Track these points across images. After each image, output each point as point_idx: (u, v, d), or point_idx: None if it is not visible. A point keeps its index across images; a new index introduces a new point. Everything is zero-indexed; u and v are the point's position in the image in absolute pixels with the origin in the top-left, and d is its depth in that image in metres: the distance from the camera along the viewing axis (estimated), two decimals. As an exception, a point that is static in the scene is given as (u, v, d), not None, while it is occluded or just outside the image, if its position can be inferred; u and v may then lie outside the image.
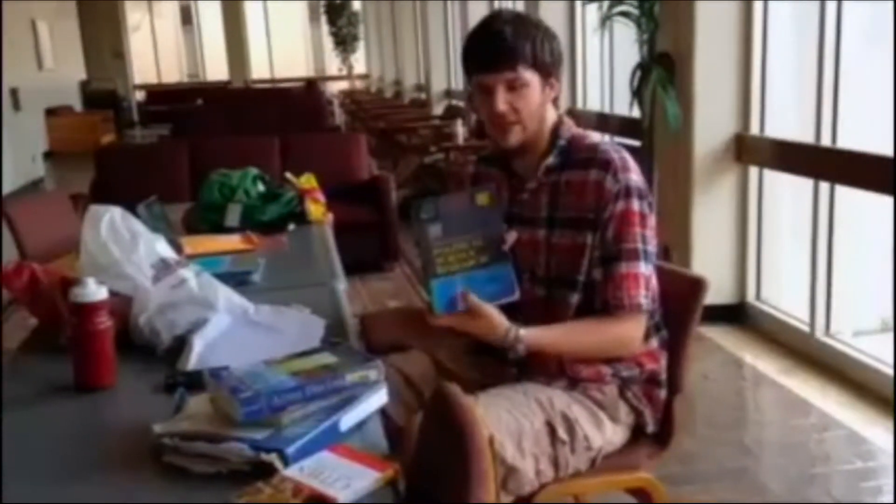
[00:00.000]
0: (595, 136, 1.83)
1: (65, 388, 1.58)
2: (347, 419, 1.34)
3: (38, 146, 11.79)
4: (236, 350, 1.66)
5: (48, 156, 12.39)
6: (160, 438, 1.29)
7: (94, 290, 1.55)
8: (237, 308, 1.81)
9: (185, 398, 1.41)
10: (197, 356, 1.64)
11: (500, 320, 1.64)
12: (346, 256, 2.93)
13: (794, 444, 2.97)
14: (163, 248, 1.84)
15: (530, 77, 1.72)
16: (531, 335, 1.65)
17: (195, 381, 1.53)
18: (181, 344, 1.71)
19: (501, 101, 1.71)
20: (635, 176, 1.74)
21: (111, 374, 1.58)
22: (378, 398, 1.40)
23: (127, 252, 1.77)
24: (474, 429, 1.31)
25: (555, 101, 1.82)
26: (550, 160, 1.77)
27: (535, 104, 1.74)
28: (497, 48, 1.71)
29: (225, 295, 1.82)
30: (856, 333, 3.66)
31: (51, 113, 13.51)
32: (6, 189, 8.49)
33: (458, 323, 1.63)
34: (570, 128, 1.82)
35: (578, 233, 1.73)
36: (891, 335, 3.48)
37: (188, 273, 1.81)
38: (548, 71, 1.74)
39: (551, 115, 1.81)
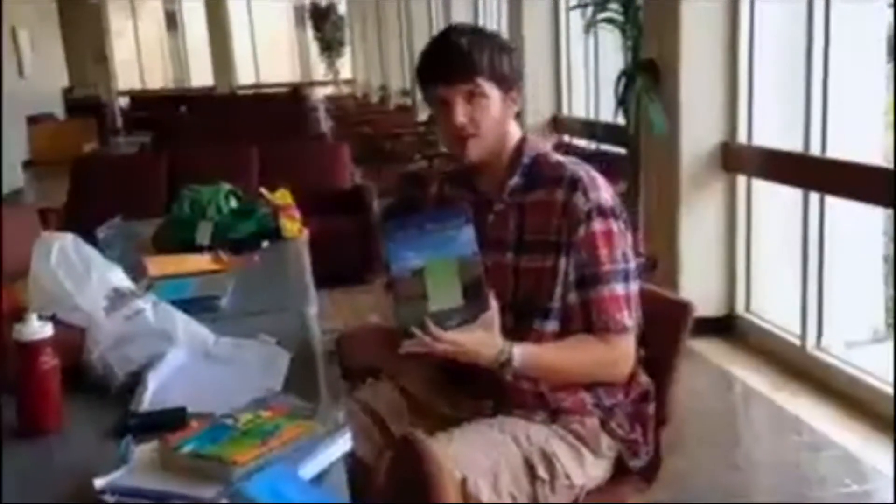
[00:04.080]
0: (559, 156, 1.74)
1: (10, 432, 1.47)
2: (308, 470, 1.23)
3: (18, 155, 11.62)
4: (193, 387, 1.56)
5: (29, 165, 12.23)
6: (101, 495, 1.18)
7: (38, 328, 1.44)
8: (197, 341, 1.71)
9: (131, 448, 1.30)
10: (151, 396, 1.54)
11: (497, 337, 1.55)
12: (327, 268, 2.81)
13: (786, 463, 2.89)
14: (117, 278, 1.73)
15: (489, 88, 1.64)
16: (524, 355, 1.57)
17: (149, 424, 1.44)
18: (137, 381, 1.60)
19: (460, 114, 1.63)
20: (606, 194, 1.65)
21: (57, 418, 1.47)
22: (342, 444, 1.30)
23: (79, 282, 1.67)
24: (439, 480, 1.23)
25: (517, 118, 1.74)
26: (515, 180, 1.69)
27: (494, 117, 1.66)
28: (454, 59, 1.63)
29: (184, 326, 1.71)
30: (848, 345, 3.58)
31: (32, 121, 13.34)
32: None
33: (451, 341, 1.51)
34: (535, 145, 1.74)
35: (546, 257, 1.64)
36: (883, 346, 3.41)
37: (145, 303, 1.70)
38: (507, 84, 1.67)
39: (514, 132, 1.72)
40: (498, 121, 1.67)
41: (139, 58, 21.18)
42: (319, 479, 1.25)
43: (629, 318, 1.63)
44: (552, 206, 1.64)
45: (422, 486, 1.23)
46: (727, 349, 3.86)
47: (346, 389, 2.02)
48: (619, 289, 1.62)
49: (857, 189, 3.29)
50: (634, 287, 1.66)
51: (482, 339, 1.53)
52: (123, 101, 19.20)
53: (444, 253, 1.51)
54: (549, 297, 1.64)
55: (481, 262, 1.52)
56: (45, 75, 14.37)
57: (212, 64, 20.07)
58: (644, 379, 1.73)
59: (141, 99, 18.79)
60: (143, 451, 1.29)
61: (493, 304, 1.53)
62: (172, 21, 21.59)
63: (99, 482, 1.20)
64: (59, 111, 15.61)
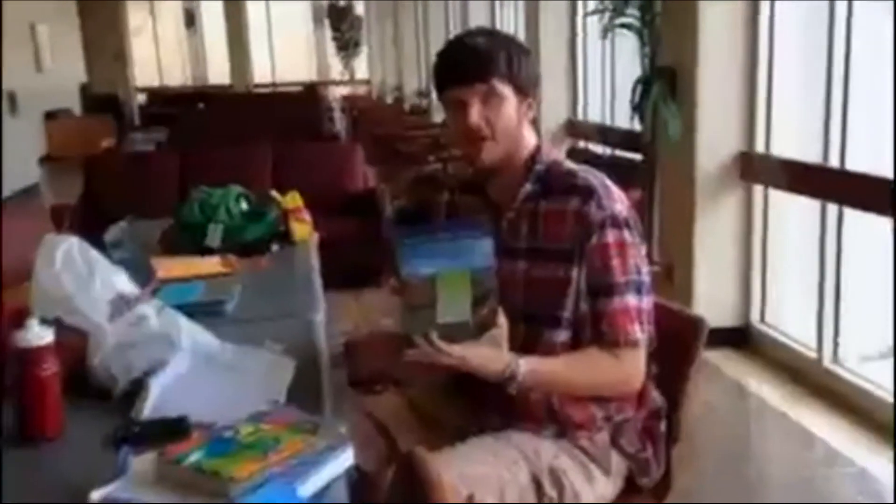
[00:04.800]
0: (574, 164, 1.71)
1: (9, 437, 1.45)
2: (308, 486, 1.21)
3: (34, 151, 11.67)
4: (196, 396, 1.54)
5: (46, 160, 12.27)
6: (97, 508, 1.16)
7: (38, 334, 1.42)
8: (200, 347, 1.68)
9: (130, 459, 1.28)
10: (153, 403, 1.52)
11: (504, 353, 1.51)
12: (339, 270, 2.76)
13: (799, 479, 2.84)
14: (121, 283, 1.71)
15: (506, 91, 1.61)
16: (530, 369, 1.53)
17: (150, 433, 1.41)
18: (139, 387, 1.58)
19: (475, 114, 1.60)
20: (619, 205, 1.62)
21: (57, 425, 1.45)
22: (343, 460, 1.27)
23: (82, 286, 1.64)
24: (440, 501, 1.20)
25: (532, 125, 1.70)
26: (528, 187, 1.65)
27: (510, 120, 1.62)
28: (471, 60, 1.61)
29: (188, 333, 1.69)
30: (862, 359, 3.52)
31: (50, 117, 13.39)
32: (-2, 196, 8.37)
33: (455, 356, 1.47)
34: (549, 153, 1.70)
35: (559, 266, 1.60)
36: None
37: (148, 309, 1.68)
38: (524, 89, 1.63)
39: (530, 139, 1.69)
40: (513, 124, 1.63)
41: (157, 55, 21.24)
42: (320, 495, 1.22)
43: (640, 332, 1.59)
44: (565, 215, 1.61)
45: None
46: (741, 361, 3.81)
47: (351, 397, 1.99)
48: (631, 301, 1.59)
49: (876, 202, 3.24)
50: (647, 301, 1.63)
51: (488, 355, 1.50)
52: (141, 98, 19.27)
53: (458, 263, 1.47)
54: (561, 306, 1.60)
55: (495, 277, 1.48)
56: (62, 71, 14.42)
57: (229, 62, 20.11)
58: (656, 395, 1.69)
59: (158, 96, 18.84)
60: (142, 462, 1.26)
61: (503, 321, 1.49)
62: (191, 19, 21.66)
63: (95, 495, 1.18)
64: (76, 107, 15.66)
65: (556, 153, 1.75)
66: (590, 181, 1.62)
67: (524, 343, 1.58)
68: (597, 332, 1.59)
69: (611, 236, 1.59)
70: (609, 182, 1.65)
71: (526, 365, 1.53)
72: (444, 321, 1.46)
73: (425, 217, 2.02)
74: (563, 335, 1.61)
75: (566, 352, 1.61)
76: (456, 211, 1.78)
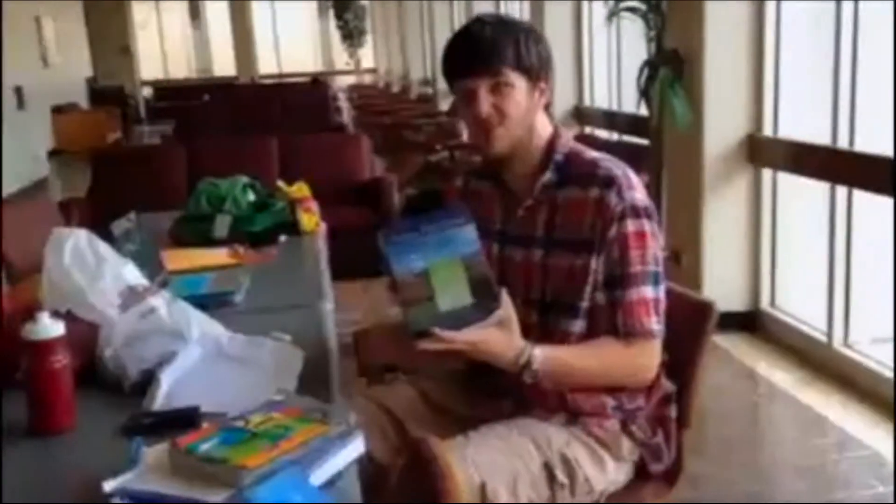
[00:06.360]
0: (594, 152, 1.68)
1: (20, 431, 1.46)
2: (319, 474, 1.21)
3: (42, 145, 11.71)
4: (207, 387, 1.55)
5: (54, 154, 12.31)
6: (110, 498, 1.17)
7: (49, 327, 1.42)
8: (210, 339, 1.69)
9: (142, 449, 1.28)
10: (164, 394, 1.52)
11: (516, 337, 1.50)
12: (347, 259, 2.75)
13: (810, 464, 2.83)
14: (131, 275, 1.71)
15: (515, 79, 1.58)
16: (545, 357, 1.51)
17: (161, 424, 1.42)
18: (150, 379, 1.59)
19: (485, 104, 1.58)
20: (640, 194, 1.60)
21: (69, 417, 1.45)
22: (354, 448, 1.27)
23: (92, 279, 1.65)
24: (448, 487, 1.20)
25: (546, 110, 1.68)
26: (547, 176, 1.63)
27: (521, 107, 1.60)
28: (478, 50, 1.58)
29: (199, 324, 1.70)
30: (874, 341, 3.51)
31: (57, 111, 13.43)
32: (8, 190, 8.39)
33: (465, 341, 1.45)
34: (568, 141, 1.67)
35: (577, 255, 1.59)
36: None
37: (158, 301, 1.68)
38: (535, 75, 1.60)
39: (544, 126, 1.66)
40: (524, 112, 1.61)
41: (163, 48, 21.26)
42: (331, 483, 1.22)
43: (657, 323, 1.58)
44: (585, 204, 1.59)
45: (431, 494, 1.20)
46: (751, 345, 3.81)
47: (362, 387, 2.00)
48: (648, 292, 1.57)
49: (885, 183, 3.22)
50: (663, 291, 1.61)
51: (499, 339, 1.48)
52: (147, 92, 19.29)
53: (446, 253, 1.45)
54: (579, 296, 1.59)
55: (486, 261, 1.47)
56: (69, 65, 14.44)
57: (234, 54, 20.11)
58: (666, 382, 1.69)
59: (164, 89, 18.87)
60: (154, 452, 1.27)
61: (507, 300, 1.48)
62: (196, 11, 21.65)
63: (108, 485, 1.18)
64: (83, 101, 15.70)
65: (577, 143, 1.72)
66: (612, 170, 1.60)
67: (539, 332, 1.58)
68: (613, 322, 1.58)
69: (631, 226, 1.57)
70: (631, 172, 1.62)
71: (541, 353, 1.52)
72: (447, 309, 1.45)
73: (437, 204, 2.00)
74: (578, 325, 1.61)
75: (580, 342, 1.61)
76: (469, 197, 1.77)
